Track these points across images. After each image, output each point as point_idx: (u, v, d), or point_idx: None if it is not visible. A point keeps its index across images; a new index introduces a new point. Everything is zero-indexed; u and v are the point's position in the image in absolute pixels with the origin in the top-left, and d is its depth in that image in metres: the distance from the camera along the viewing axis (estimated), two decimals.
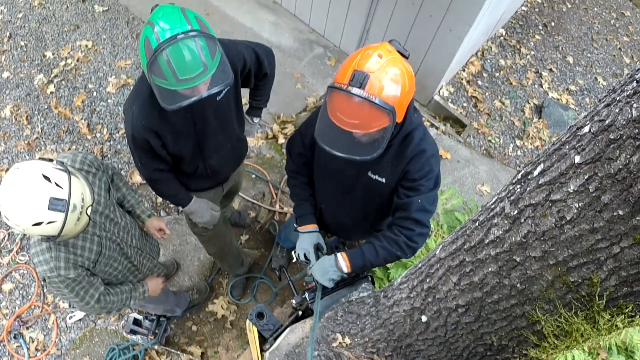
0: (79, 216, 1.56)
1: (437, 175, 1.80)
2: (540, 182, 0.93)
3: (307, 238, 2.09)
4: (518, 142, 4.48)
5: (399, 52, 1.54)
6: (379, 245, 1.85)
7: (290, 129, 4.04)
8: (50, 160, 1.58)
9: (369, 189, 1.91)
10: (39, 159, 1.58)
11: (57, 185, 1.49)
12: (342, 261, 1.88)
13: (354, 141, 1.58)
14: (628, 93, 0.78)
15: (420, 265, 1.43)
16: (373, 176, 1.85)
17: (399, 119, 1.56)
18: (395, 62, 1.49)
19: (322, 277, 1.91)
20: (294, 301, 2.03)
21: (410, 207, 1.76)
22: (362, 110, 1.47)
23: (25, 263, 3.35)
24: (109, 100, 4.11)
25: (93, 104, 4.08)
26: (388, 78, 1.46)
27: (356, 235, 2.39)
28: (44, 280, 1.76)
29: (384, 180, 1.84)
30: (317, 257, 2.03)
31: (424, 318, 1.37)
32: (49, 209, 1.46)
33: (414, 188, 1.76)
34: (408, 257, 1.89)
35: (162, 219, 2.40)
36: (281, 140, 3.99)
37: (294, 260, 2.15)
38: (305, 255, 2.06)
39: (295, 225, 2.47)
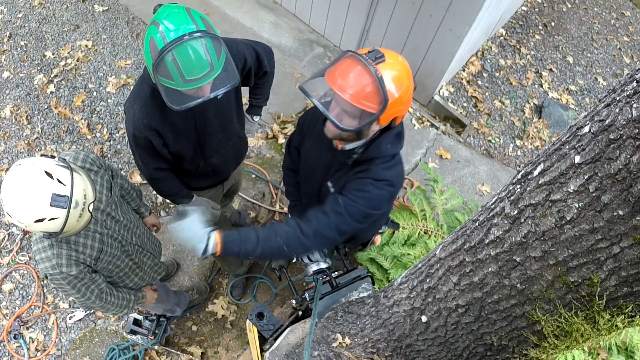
0: (81, 212, 1.56)
1: (374, 202, 1.61)
2: (540, 182, 0.93)
3: None
4: (518, 142, 4.48)
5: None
6: (262, 233, 1.62)
7: (290, 129, 4.04)
8: (53, 157, 1.59)
9: (324, 195, 1.84)
10: (41, 155, 1.58)
11: (59, 181, 1.49)
12: (213, 240, 1.58)
13: (329, 106, 1.52)
14: (628, 93, 0.78)
15: (420, 265, 1.43)
16: (329, 184, 1.80)
17: (384, 122, 1.51)
18: (407, 75, 1.48)
19: (189, 243, 1.60)
20: (294, 301, 2.03)
21: (326, 203, 1.65)
22: (362, 79, 1.41)
23: (25, 263, 3.35)
24: (109, 100, 4.11)
25: (93, 104, 4.08)
26: (396, 76, 1.43)
27: None
28: (46, 277, 1.77)
29: (332, 190, 1.78)
30: (321, 256, 2.06)
31: (424, 318, 1.37)
32: (51, 205, 1.46)
33: (332, 203, 1.64)
34: (290, 253, 1.65)
35: (158, 219, 2.49)
36: (281, 140, 3.99)
37: (294, 260, 2.16)
38: (308, 256, 2.07)
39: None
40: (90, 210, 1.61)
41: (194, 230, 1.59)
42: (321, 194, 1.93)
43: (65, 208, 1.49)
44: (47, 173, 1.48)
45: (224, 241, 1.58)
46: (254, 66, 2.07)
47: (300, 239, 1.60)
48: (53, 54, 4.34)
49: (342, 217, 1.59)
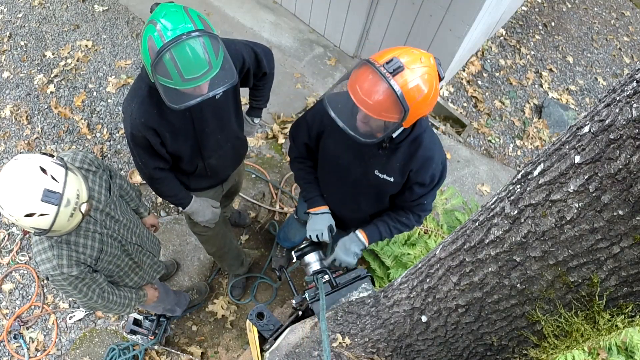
0: (73, 212, 1.55)
1: (443, 174, 1.95)
2: (540, 182, 0.93)
3: (320, 219, 2.13)
4: (518, 142, 4.48)
5: (437, 70, 1.55)
6: (392, 226, 2.06)
7: None
8: (52, 155, 1.59)
9: (377, 187, 1.96)
10: (41, 153, 1.58)
11: (52, 178, 1.49)
12: (361, 236, 2.05)
13: (355, 120, 1.59)
14: (628, 93, 0.78)
15: (420, 265, 1.43)
16: (381, 175, 1.90)
17: (407, 125, 1.56)
18: (431, 74, 1.49)
19: (347, 255, 2.04)
20: (294, 301, 2.03)
21: (423, 200, 1.97)
22: (381, 94, 1.46)
23: (25, 263, 3.35)
24: (109, 100, 4.11)
25: (93, 103, 4.08)
26: (419, 81, 1.46)
27: (354, 226, 2.42)
28: (47, 278, 1.77)
29: (392, 180, 1.90)
30: (329, 238, 2.11)
31: (424, 318, 1.37)
32: (42, 200, 1.46)
33: (425, 188, 1.93)
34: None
35: (156, 218, 2.51)
36: (281, 140, 3.99)
37: (294, 260, 2.16)
38: (317, 236, 2.11)
39: (296, 216, 2.47)
40: (82, 211, 1.60)
41: (347, 244, 2.07)
42: (363, 186, 2.00)
43: (56, 205, 1.48)
44: (41, 168, 1.49)
45: (369, 236, 2.07)
46: (252, 67, 2.07)
47: (416, 225, 2.10)
48: (53, 54, 4.33)
49: (432, 201, 2.04)
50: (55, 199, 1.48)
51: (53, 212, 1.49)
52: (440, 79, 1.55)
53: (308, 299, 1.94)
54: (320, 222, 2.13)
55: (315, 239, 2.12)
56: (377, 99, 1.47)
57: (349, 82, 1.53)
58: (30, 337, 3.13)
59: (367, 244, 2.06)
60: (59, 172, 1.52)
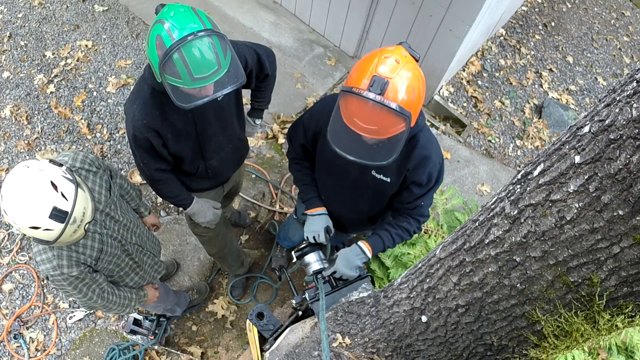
0: (76, 229, 1.56)
1: (440, 175, 1.93)
2: (540, 182, 0.93)
3: (317, 220, 2.14)
4: (518, 142, 4.48)
5: (411, 55, 1.55)
6: (395, 234, 2.03)
7: None
8: (60, 164, 1.58)
9: (375, 188, 1.96)
10: (50, 161, 1.57)
11: (62, 196, 1.48)
12: (365, 248, 2.00)
13: (367, 146, 1.60)
14: (628, 93, 0.78)
15: (420, 265, 1.43)
16: (377, 175, 1.89)
17: (413, 123, 1.57)
18: (411, 68, 1.50)
19: (350, 268, 1.97)
20: (294, 301, 2.03)
21: (421, 201, 1.96)
22: (381, 116, 1.47)
23: (25, 263, 3.35)
24: (109, 100, 4.11)
25: (93, 104, 4.08)
26: (406, 84, 1.47)
27: (352, 227, 2.41)
28: (47, 278, 1.77)
29: (389, 180, 1.89)
30: (326, 240, 2.11)
31: (424, 318, 1.37)
32: (49, 217, 1.46)
33: (423, 189, 1.91)
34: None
35: (157, 218, 2.50)
36: (281, 140, 3.99)
37: (294, 260, 2.16)
38: (314, 237, 2.11)
39: (295, 216, 2.46)
40: (85, 228, 1.60)
41: (350, 257, 1.99)
42: (360, 187, 2.00)
43: (63, 223, 1.48)
44: (52, 184, 1.48)
45: (372, 247, 2.01)
46: (255, 68, 2.07)
47: (417, 231, 2.07)
48: (53, 54, 4.33)
49: (430, 204, 2.03)
50: (62, 217, 1.48)
51: (59, 229, 1.49)
52: (417, 60, 1.56)
53: (308, 299, 1.94)
54: (316, 224, 2.13)
55: (312, 240, 2.12)
56: (379, 122, 1.49)
57: (344, 118, 1.55)
58: (30, 337, 3.13)
59: (370, 256, 2.03)
60: (70, 189, 1.51)
